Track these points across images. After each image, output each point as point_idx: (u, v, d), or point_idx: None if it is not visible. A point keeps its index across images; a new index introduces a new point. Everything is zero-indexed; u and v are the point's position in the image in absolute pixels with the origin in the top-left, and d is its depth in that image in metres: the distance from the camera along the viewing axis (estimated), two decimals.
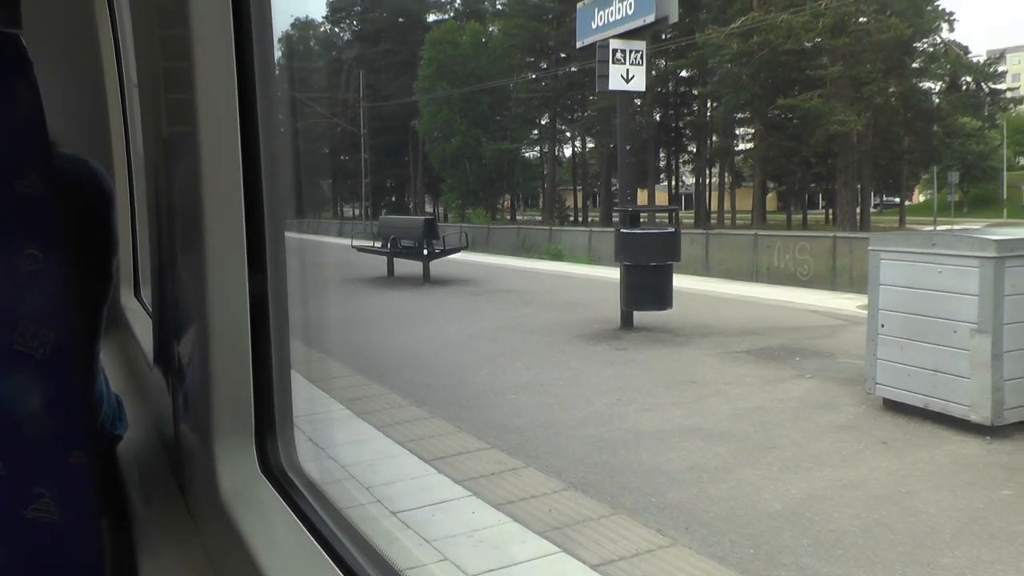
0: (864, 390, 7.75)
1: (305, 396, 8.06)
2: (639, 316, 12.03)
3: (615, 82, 11.51)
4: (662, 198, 65.43)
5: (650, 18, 10.91)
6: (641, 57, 11.56)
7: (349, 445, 6.95)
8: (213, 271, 1.52)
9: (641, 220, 12.35)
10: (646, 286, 11.42)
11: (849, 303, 14.48)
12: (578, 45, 12.76)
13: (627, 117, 12.49)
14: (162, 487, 1.89)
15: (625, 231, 11.56)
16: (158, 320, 2.19)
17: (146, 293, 3.50)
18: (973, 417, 6.66)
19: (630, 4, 11.22)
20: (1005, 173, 77.24)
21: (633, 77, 11.54)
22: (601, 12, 11.94)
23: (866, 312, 13.21)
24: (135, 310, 3.48)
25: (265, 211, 1.54)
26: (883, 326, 7.39)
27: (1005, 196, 75.29)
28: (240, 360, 1.55)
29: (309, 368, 9.34)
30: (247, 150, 1.51)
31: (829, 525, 5.18)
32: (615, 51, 11.42)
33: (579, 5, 12.61)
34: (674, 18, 11.07)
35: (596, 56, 11.67)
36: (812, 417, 7.40)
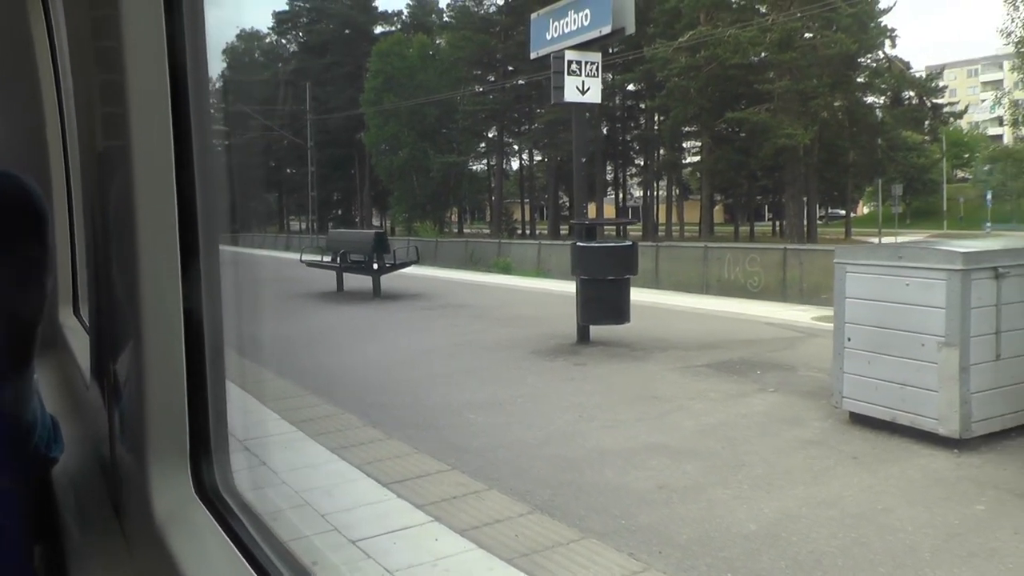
0: (830, 404, 7.64)
1: (257, 417, 7.78)
2: (595, 330, 11.86)
3: (570, 94, 11.34)
4: (610, 211, 65.66)
5: (606, 29, 10.76)
6: (596, 69, 11.42)
7: (304, 469, 6.66)
8: (146, 287, 1.50)
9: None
10: (603, 300, 11.25)
11: (803, 315, 14.49)
12: (532, 56, 12.55)
13: (582, 129, 12.31)
14: (98, 511, 1.85)
15: (581, 244, 11.38)
16: (95, 338, 2.16)
17: (85, 310, 3.34)
18: (941, 430, 6.57)
19: (586, 15, 11.07)
20: (945, 186, 78.98)
21: (588, 89, 11.39)
22: (556, 23, 11.77)
23: (822, 324, 13.25)
24: (74, 328, 3.38)
25: (199, 226, 1.53)
26: (849, 339, 7.29)
27: (945, 208, 76.98)
28: (175, 379, 1.53)
29: (261, 388, 9.04)
30: (181, 164, 1.49)
31: (807, 546, 5.02)
32: (570, 62, 11.25)
33: (533, 16, 12.46)
34: (631, 29, 10.92)
35: (551, 67, 11.49)
36: (779, 432, 7.26)
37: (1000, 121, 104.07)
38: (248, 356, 10.29)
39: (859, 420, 7.27)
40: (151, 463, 1.53)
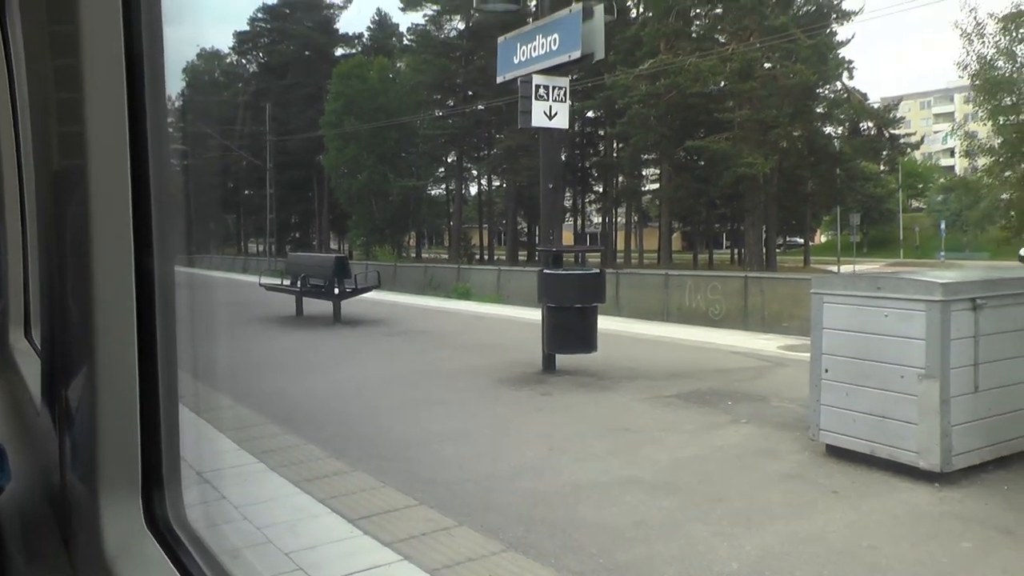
0: (807, 436, 7.50)
1: (216, 447, 7.48)
2: (561, 359, 11.68)
3: (538, 119, 11.18)
4: (568, 238, 65.76)
5: (576, 54, 10.62)
6: (564, 94, 11.28)
7: (266, 503, 6.37)
8: (100, 310, 1.48)
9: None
10: (570, 329, 11.06)
11: (769, 344, 14.41)
12: (499, 80, 12.38)
13: (550, 155, 12.16)
14: (46, 542, 1.81)
15: (548, 272, 11.19)
16: (47, 362, 2.12)
17: (37, 333, 3.31)
18: (922, 464, 6.44)
19: (555, 39, 10.93)
20: (901, 216, 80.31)
21: (556, 114, 11.24)
22: (523, 47, 11.63)
23: (789, 353, 13.18)
24: (25, 351, 3.37)
25: (155, 248, 1.52)
26: (827, 371, 7.15)
27: (902, 237, 78.24)
28: (127, 406, 1.50)
29: (219, 417, 8.73)
30: (138, 185, 1.48)
31: None
32: (538, 87, 11.09)
33: (500, 39, 12.30)
34: (600, 55, 10.77)
35: (519, 92, 11.33)
36: (756, 465, 7.09)
37: (952, 152, 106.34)
38: (206, 383, 9.97)
39: (836, 453, 7.13)
40: (102, 493, 1.49)
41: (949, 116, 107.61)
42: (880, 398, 6.72)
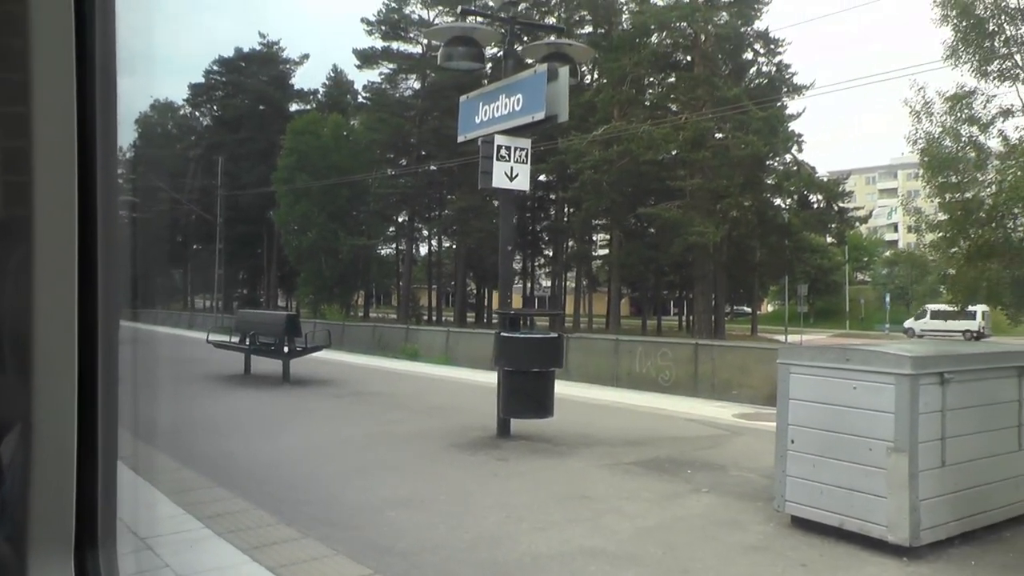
0: (771, 507, 7.34)
1: (158, 513, 7.15)
2: (516, 424, 11.46)
3: (498, 180, 11.06)
4: (517, 301, 65.82)
5: (540, 115, 10.55)
6: (526, 155, 11.20)
7: (211, 573, 6.05)
8: (40, 363, 1.45)
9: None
10: (527, 393, 10.85)
11: (723, 411, 14.33)
12: (459, 139, 12.30)
13: (509, 217, 12.07)
14: None
15: (506, 335, 11.00)
16: None
17: None
18: (891, 538, 6.31)
19: (518, 100, 10.88)
20: (847, 287, 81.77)
21: (517, 175, 11.15)
22: (486, 106, 11.56)
23: (745, 421, 13.10)
24: None
25: (100, 301, 1.50)
26: (793, 441, 7.03)
27: (848, 309, 79.57)
28: (64, 463, 1.47)
29: (165, 479, 8.38)
30: (84, 236, 1.46)
31: None
32: (500, 147, 11.02)
33: (462, 99, 12.23)
34: (564, 117, 10.73)
35: (480, 152, 11.24)
36: (720, 536, 6.91)
37: (896, 227, 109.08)
38: (150, 443, 9.60)
39: (802, 524, 6.98)
40: (31, 555, 1.44)
41: (893, 192, 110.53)
42: (848, 470, 6.61)
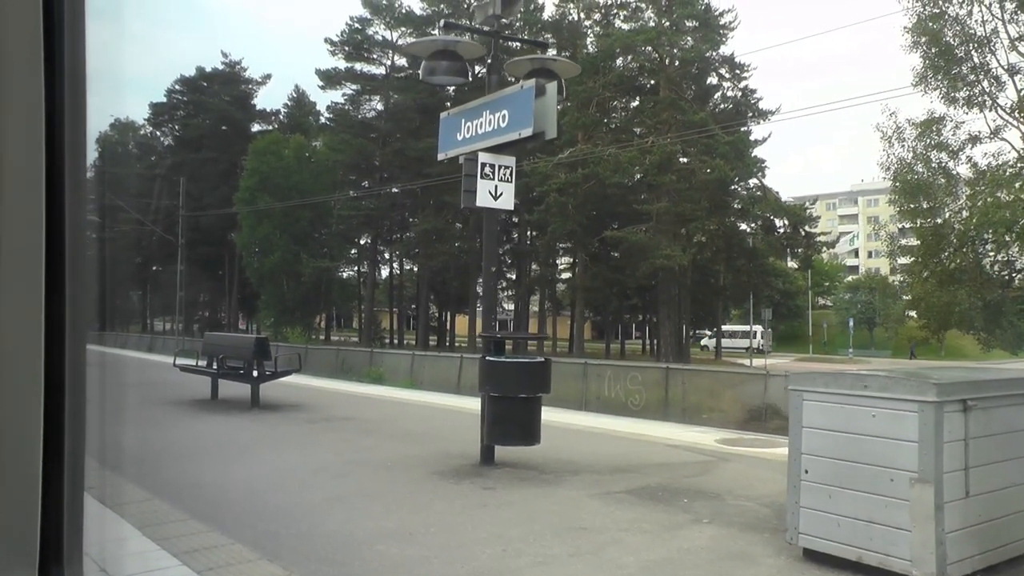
0: (783, 539, 6.99)
1: (133, 548, 6.68)
2: (498, 451, 11.07)
3: (483, 199, 10.69)
4: (478, 324, 65.65)
5: (527, 131, 10.20)
6: (510, 174, 10.86)
7: None
8: (5, 383, 1.42)
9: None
10: (513, 420, 10.43)
11: (704, 437, 14.03)
12: (440, 157, 11.91)
13: (493, 237, 11.72)
14: None
15: (491, 359, 10.58)
16: None
17: None
18: (915, 572, 5.98)
19: (503, 116, 10.54)
20: (811, 312, 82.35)
21: (502, 194, 10.81)
22: (468, 123, 11.20)
23: (729, 447, 12.79)
24: None
25: (67, 322, 1.49)
26: (807, 471, 6.69)
27: (811, 333, 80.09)
28: (29, 485, 1.45)
29: (134, 511, 7.89)
30: (52, 256, 1.46)
31: None
32: (483, 165, 10.67)
33: (443, 115, 11.87)
34: (552, 134, 10.39)
35: (463, 170, 10.87)
36: (731, 571, 6.55)
37: (856, 253, 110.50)
38: (119, 472, 9.10)
39: (815, 558, 6.65)
40: None
41: (854, 218, 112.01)
42: (867, 501, 6.28)
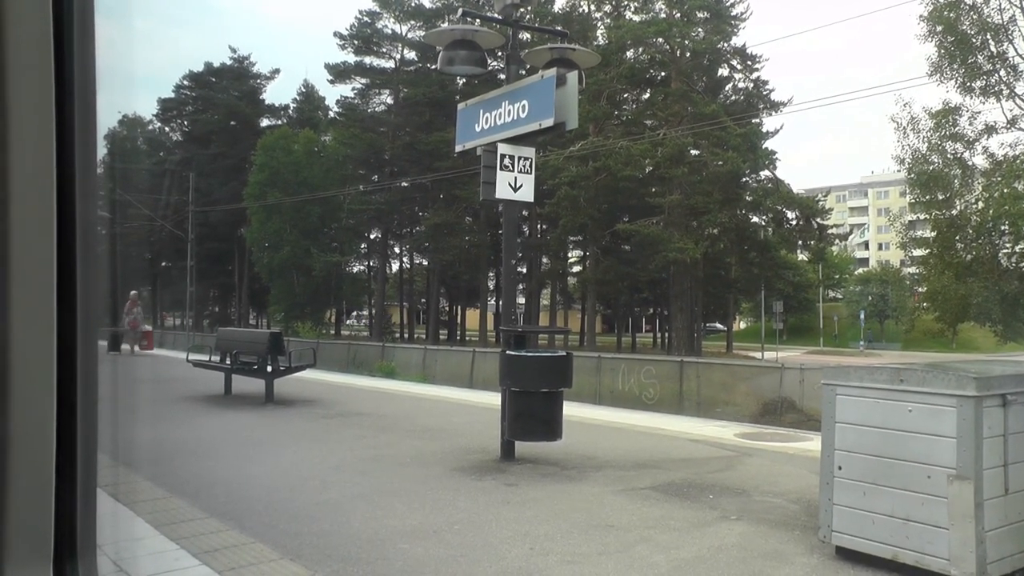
0: (816, 536, 6.86)
1: (151, 547, 6.56)
2: (517, 446, 10.94)
3: (503, 191, 10.54)
4: (490, 319, 65.49)
5: (548, 122, 10.03)
6: (530, 165, 10.69)
7: None
8: (18, 383, 1.42)
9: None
10: (535, 415, 10.30)
11: (723, 431, 13.88)
12: (457, 149, 11.77)
13: (513, 229, 11.56)
14: None
15: (512, 353, 10.44)
16: None
17: None
18: (954, 572, 5.84)
19: (523, 106, 10.37)
20: (821, 305, 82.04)
21: (521, 186, 10.66)
22: (487, 114, 11.04)
23: (750, 442, 12.63)
24: None
25: (79, 317, 1.50)
26: (840, 468, 6.55)
27: (821, 326, 79.79)
28: (43, 480, 1.47)
29: (151, 509, 7.77)
30: (63, 253, 1.47)
31: None
32: (503, 156, 10.52)
33: (460, 106, 11.71)
34: (573, 124, 10.19)
35: (481, 162, 10.73)
36: (765, 570, 6.40)
37: (866, 245, 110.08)
38: (134, 469, 8.99)
39: (849, 556, 6.50)
40: (8, 569, 1.44)
41: (864, 210, 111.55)
42: (903, 499, 6.14)
